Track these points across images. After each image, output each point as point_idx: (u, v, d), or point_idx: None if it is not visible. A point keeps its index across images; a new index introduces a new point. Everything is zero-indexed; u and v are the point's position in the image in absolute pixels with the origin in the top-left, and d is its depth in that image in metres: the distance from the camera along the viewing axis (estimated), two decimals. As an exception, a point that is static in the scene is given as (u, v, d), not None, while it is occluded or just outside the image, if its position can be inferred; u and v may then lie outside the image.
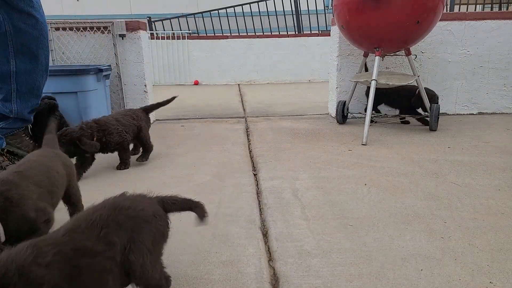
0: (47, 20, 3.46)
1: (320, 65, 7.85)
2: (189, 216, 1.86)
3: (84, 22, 3.43)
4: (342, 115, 3.71)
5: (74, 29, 3.45)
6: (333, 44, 4.00)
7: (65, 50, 3.50)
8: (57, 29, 3.47)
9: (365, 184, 2.21)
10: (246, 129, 3.69)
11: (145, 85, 3.69)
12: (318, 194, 2.08)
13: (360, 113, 3.90)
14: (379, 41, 3.05)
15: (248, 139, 3.31)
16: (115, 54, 3.50)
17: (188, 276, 1.39)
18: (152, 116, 3.95)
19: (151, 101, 3.90)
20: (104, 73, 3.22)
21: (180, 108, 4.79)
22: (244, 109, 4.76)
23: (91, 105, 3.08)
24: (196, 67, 7.75)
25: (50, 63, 3.45)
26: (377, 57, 3.13)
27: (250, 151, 2.96)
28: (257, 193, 2.16)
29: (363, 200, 2.00)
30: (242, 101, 5.42)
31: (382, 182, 2.24)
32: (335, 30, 3.85)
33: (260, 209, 1.95)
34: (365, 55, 3.51)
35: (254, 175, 2.46)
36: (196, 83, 7.61)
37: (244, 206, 1.97)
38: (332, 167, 2.51)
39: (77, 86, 3.00)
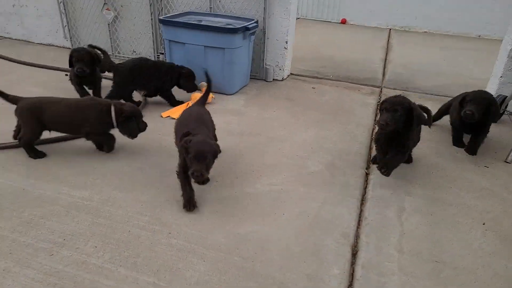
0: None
1: (499, 17, 6.37)
2: (291, 214, 1.94)
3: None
4: (496, 112, 3.20)
5: (232, -21, 3.58)
6: None
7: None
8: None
9: (484, 224, 2.04)
10: (377, 105, 3.53)
11: (286, 42, 3.73)
12: (423, 223, 2.02)
13: (519, 112, 3.32)
14: None
15: (375, 120, 3.20)
16: (264, 8, 3.57)
17: (275, 279, 1.63)
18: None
19: (289, 58, 3.97)
20: (251, 31, 3.37)
21: (317, 60, 4.73)
22: (383, 74, 4.45)
23: (234, 61, 3.32)
24: (346, 4, 7.22)
25: (208, 10, 3.73)
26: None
27: (371, 140, 2.89)
28: (362, 201, 2.20)
29: (472, 246, 1.88)
30: (385, 60, 5.03)
31: (506, 226, 2.02)
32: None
33: (358, 222, 2.02)
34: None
35: (366, 174, 2.46)
36: (344, 22, 7.19)
37: (344, 214, 2.06)
38: (454, 188, 2.33)
39: (225, 43, 3.24)
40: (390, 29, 7.01)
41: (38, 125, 2.27)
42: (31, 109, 2.25)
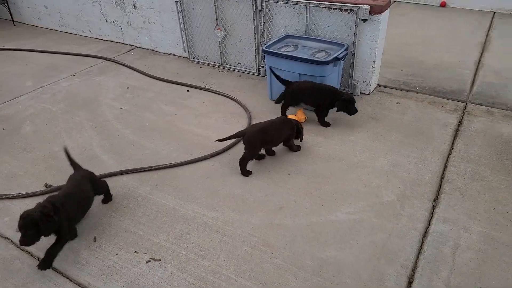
0: None
1: None
2: (363, 243, 2.48)
3: (335, 3, 3.87)
4: None
5: (327, 7, 3.96)
6: None
7: (316, 23, 4.11)
8: (313, 5, 4.04)
9: (530, 267, 2.42)
10: (458, 125, 3.75)
11: (373, 62, 4.06)
12: (474, 260, 2.47)
13: None
14: None
15: (452, 145, 3.48)
16: (354, 34, 3.92)
17: (345, 299, 2.30)
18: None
19: (376, 74, 4.29)
20: (341, 59, 3.80)
21: (405, 66, 4.87)
22: (472, 84, 4.47)
23: (324, 86, 3.83)
24: (448, -17, 6.87)
25: (303, 34, 4.21)
26: None
27: (445, 168, 3.24)
28: (424, 235, 2.69)
29: (509, 283, 2.30)
30: (478, 64, 4.91)
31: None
32: None
33: (418, 255, 2.56)
34: None
35: (433, 206, 2.90)
36: (443, 5, 6.87)
37: (406, 247, 2.60)
38: (511, 226, 2.67)
39: (318, 72, 3.76)
40: (494, 13, 6.53)
41: (260, 146, 3.24)
42: (258, 135, 3.18)
